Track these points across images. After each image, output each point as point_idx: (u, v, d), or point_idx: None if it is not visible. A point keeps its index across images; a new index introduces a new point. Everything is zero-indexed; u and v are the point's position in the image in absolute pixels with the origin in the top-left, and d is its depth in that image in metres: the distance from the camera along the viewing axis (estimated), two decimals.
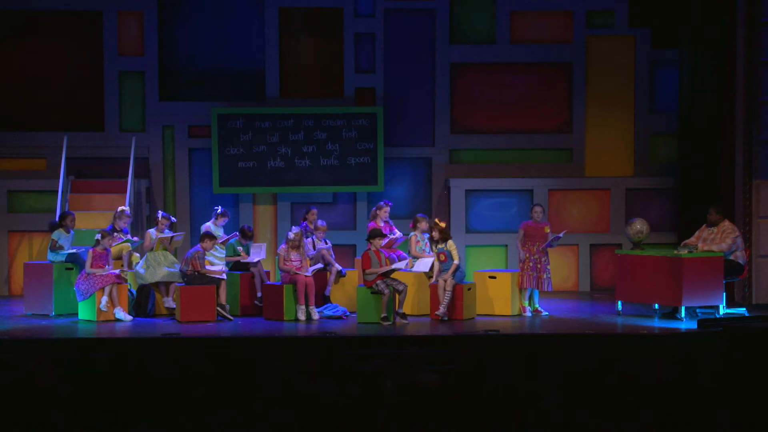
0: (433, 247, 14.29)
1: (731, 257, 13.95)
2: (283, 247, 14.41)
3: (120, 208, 14.95)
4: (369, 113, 16.96)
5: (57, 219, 14.98)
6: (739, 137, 15.43)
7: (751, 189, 15.43)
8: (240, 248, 14.84)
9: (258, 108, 17.02)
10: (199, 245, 14.29)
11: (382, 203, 15.23)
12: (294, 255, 14.27)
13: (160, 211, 15.11)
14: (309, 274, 14.22)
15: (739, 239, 14.05)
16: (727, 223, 14.10)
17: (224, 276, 14.21)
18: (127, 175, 16.42)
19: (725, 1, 15.54)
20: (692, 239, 14.26)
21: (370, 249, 13.94)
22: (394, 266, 13.93)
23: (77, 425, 7.21)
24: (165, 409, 7.39)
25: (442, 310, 13.90)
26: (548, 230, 14.48)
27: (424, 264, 14.38)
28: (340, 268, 14.84)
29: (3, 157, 17.04)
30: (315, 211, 15.24)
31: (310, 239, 14.76)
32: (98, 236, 14.18)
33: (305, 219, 15.14)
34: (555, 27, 17.31)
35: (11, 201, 16.97)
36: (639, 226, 14.43)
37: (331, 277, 14.73)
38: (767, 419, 7.30)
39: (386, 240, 14.35)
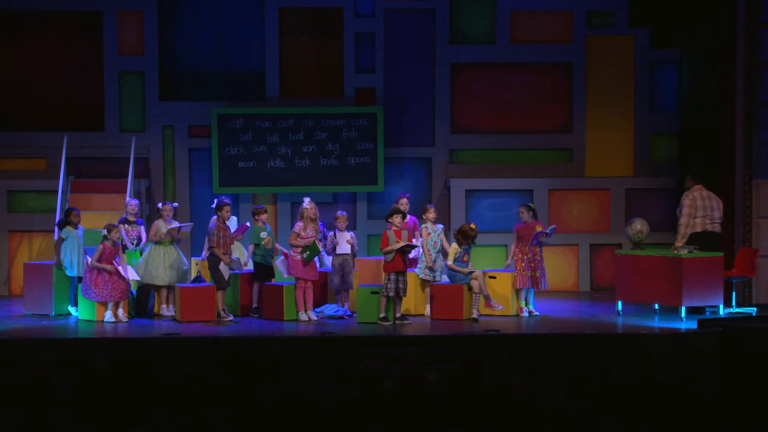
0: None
1: (700, 229, 14.02)
2: (299, 224, 14.03)
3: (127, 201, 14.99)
4: (369, 113, 16.96)
5: (61, 217, 14.87)
6: (739, 137, 15.43)
7: (751, 189, 15.43)
8: (264, 233, 14.50)
9: (258, 108, 17.02)
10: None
11: (399, 195, 15.03)
12: (311, 231, 13.97)
13: (160, 203, 15.01)
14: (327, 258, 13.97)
15: (686, 200, 14.20)
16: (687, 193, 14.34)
17: (229, 283, 14.12)
18: (127, 175, 16.41)
19: (725, 1, 15.54)
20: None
21: (390, 228, 13.79)
22: (413, 242, 13.75)
23: (77, 425, 7.21)
24: (165, 409, 7.39)
25: (476, 312, 13.96)
26: (539, 228, 14.45)
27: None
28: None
29: (3, 157, 17.04)
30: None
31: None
32: (104, 231, 13.97)
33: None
34: (555, 27, 17.31)
35: (11, 201, 16.97)
36: (639, 226, 14.43)
37: (345, 294, 14.50)
38: (767, 419, 7.30)
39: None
